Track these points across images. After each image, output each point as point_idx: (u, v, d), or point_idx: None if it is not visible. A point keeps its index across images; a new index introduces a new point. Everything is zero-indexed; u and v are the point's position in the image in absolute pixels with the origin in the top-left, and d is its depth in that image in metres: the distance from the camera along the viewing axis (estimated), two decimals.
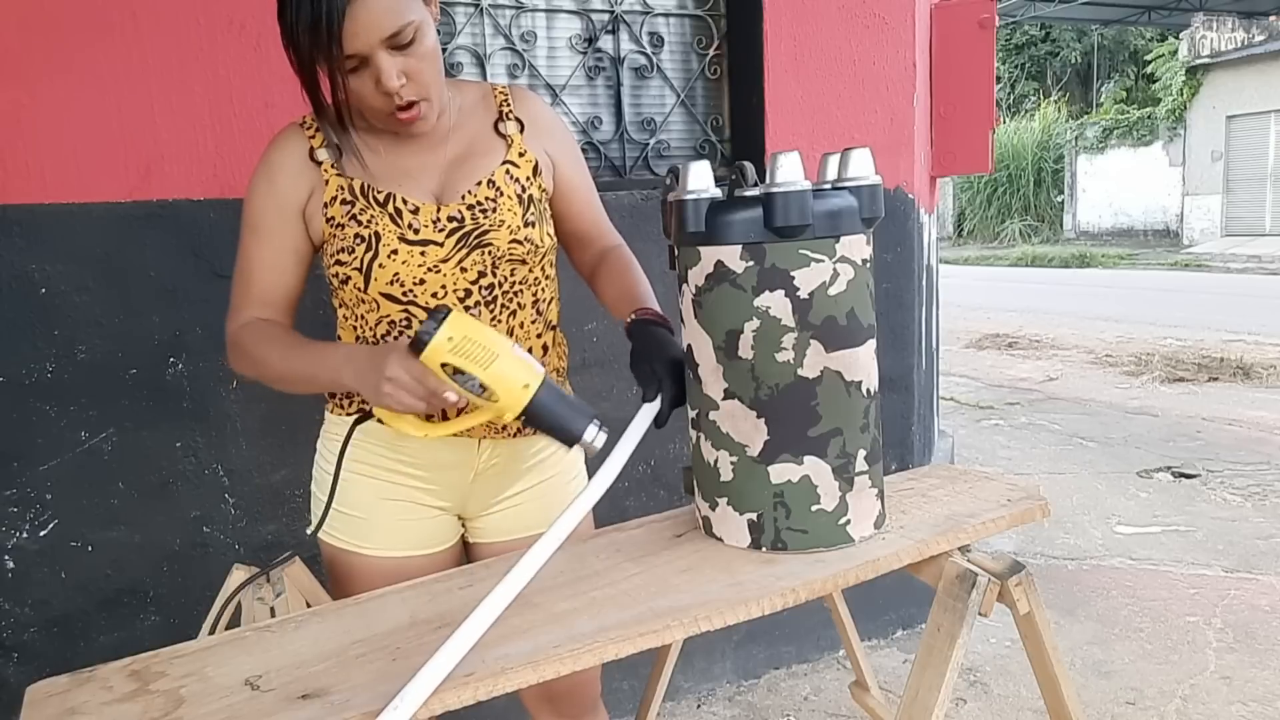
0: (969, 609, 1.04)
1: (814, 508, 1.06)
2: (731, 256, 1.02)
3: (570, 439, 1.05)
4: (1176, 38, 18.51)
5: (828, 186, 1.06)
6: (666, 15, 2.33)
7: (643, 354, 1.15)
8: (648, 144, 2.33)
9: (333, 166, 1.15)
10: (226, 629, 1.07)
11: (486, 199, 1.16)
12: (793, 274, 1.01)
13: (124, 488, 1.74)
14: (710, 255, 1.04)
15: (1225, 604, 2.74)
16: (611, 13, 2.25)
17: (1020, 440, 4.75)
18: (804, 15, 2.29)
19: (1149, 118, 18.93)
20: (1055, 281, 13.18)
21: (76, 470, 1.70)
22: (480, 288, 1.17)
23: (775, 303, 1.01)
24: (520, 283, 1.20)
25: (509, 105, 1.23)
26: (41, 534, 1.69)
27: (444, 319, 1.00)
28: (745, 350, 1.03)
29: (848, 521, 1.07)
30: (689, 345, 1.10)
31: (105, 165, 1.67)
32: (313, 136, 1.16)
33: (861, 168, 1.06)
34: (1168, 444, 4.50)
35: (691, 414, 1.14)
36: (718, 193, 1.06)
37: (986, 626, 2.54)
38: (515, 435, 1.25)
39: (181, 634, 1.03)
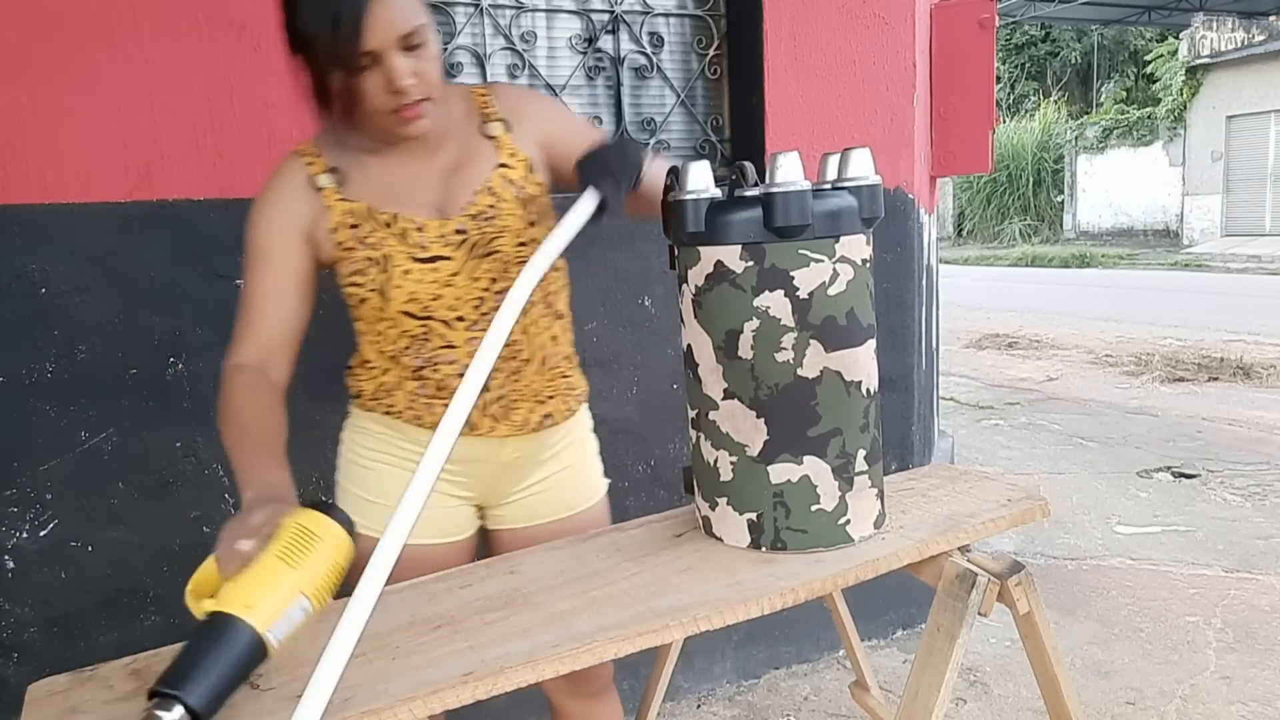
0: (969, 609, 1.04)
1: (814, 508, 1.06)
2: (731, 256, 1.02)
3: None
4: (1176, 38, 18.51)
5: (828, 186, 1.06)
6: (666, 15, 2.33)
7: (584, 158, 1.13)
8: (648, 144, 2.33)
9: (335, 192, 1.16)
10: None
11: (488, 206, 1.17)
12: (792, 274, 1.01)
13: (124, 488, 1.74)
14: (710, 255, 1.04)
15: (1225, 604, 2.74)
16: (611, 13, 2.25)
17: (1020, 440, 4.75)
18: (804, 15, 2.29)
19: (1149, 118, 18.92)
20: (1055, 281, 13.17)
21: (76, 470, 1.70)
22: (493, 294, 1.18)
23: (775, 303, 1.01)
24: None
25: (490, 107, 1.23)
26: (41, 534, 1.69)
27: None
28: (745, 350, 1.03)
29: (847, 521, 1.08)
30: (689, 345, 1.11)
31: (105, 165, 1.67)
32: (311, 164, 1.17)
33: (861, 168, 1.06)
34: (1168, 444, 4.50)
35: (691, 414, 1.14)
36: (718, 193, 1.06)
37: (986, 626, 2.54)
38: (536, 430, 1.26)
39: (181, 634, 1.03)
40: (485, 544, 1.36)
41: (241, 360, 1.14)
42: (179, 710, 0.77)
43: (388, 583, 1.09)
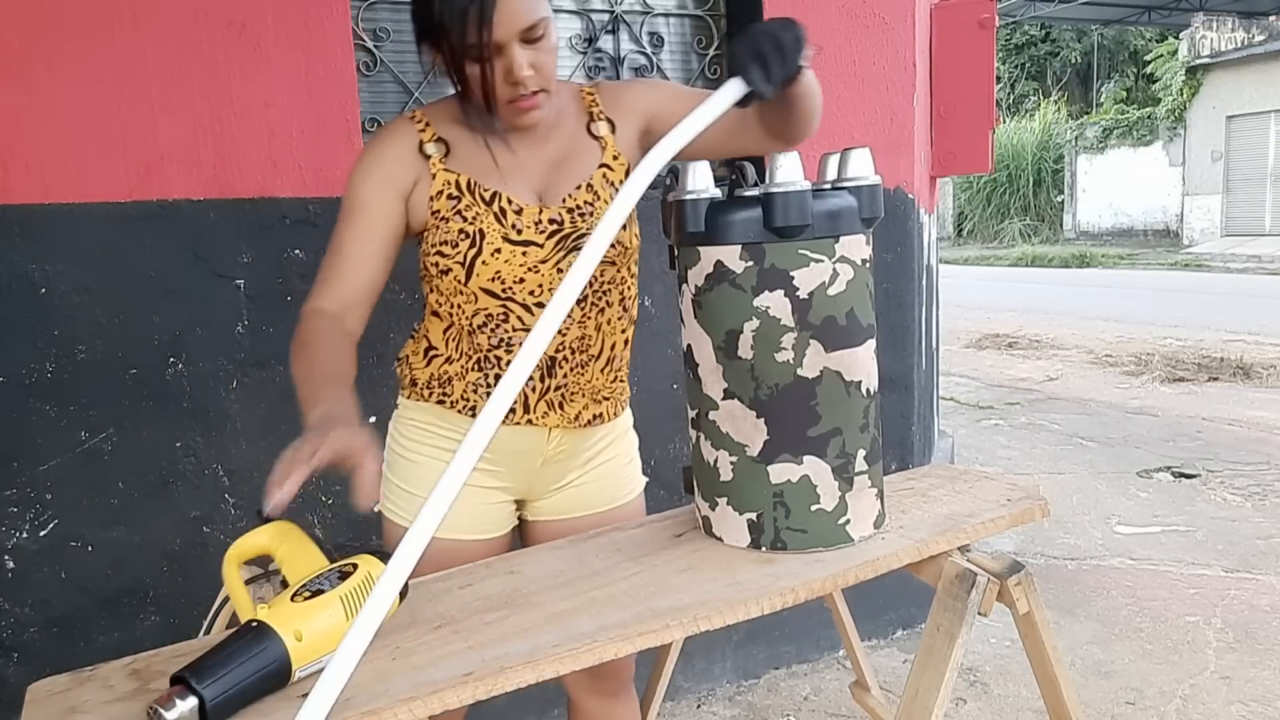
0: (968, 609, 1.04)
1: (813, 507, 1.06)
2: (731, 256, 1.02)
3: None
4: (1176, 38, 18.50)
5: (827, 186, 1.06)
6: (666, 15, 2.33)
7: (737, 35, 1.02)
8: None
9: (440, 161, 1.18)
10: (226, 628, 1.07)
11: (585, 203, 1.19)
12: (792, 274, 1.01)
13: (124, 488, 1.74)
14: (710, 255, 1.04)
15: (1225, 604, 2.74)
16: (611, 13, 2.25)
17: (1020, 440, 4.75)
18: (804, 15, 2.26)
19: (1149, 118, 18.92)
20: (1055, 281, 13.18)
21: (76, 470, 1.70)
22: None
23: (775, 303, 1.01)
24: (609, 282, 1.23)
25: (597, 106, 1.25)
26: (41, 534, 1.69)
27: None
28: (745, 350, 1.03)
29: (847, 521, 1.08)
30: (689, 345, 1.11)
31: (105, 165, 1.67)
32: (422, 131, 1.19)
33: (861, 168, 1.06)
34: (1168, 444, 4.50)
35: (691, 414, 1.14)
36: (717, 193, 1.06)
37: (986, 626, 2.54)
38: (588, 425, 1.28)
39: (181, 634, 1.03)
40: (521, 536, 1.38)
41: (322, 305, 1.14)
42: (193, 702, 0.78)
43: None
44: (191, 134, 1.72)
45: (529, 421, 1.23)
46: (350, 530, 1.93)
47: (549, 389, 1.23)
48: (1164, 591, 2.85)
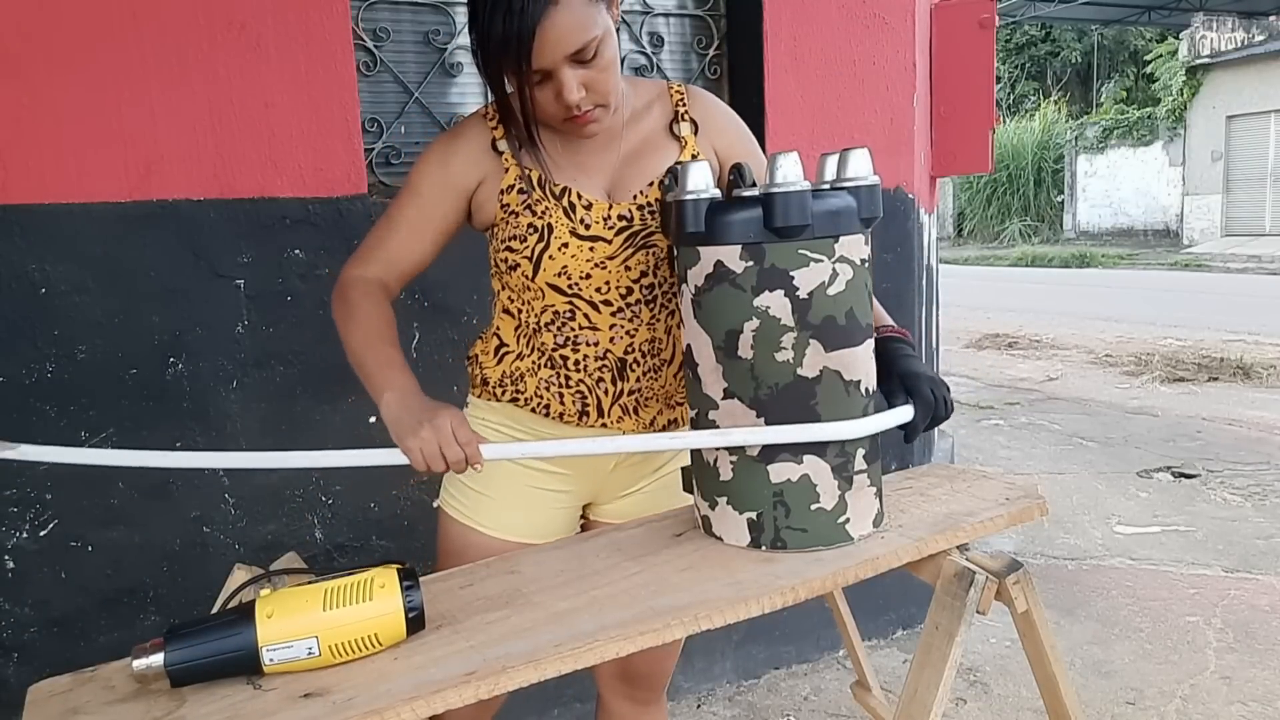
0: (967, 607, 1.05)
1: (813, 506, 1.06)
2: (731, 256, 1.02)
3: None
4: (1176, 38, 18.50)
5: (826, 187, 1.06)
6: (666, 15, 2.33)
7: (888, 370, 1.13)
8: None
9: (513, 156, 1.18)
10: None
11: (657, 201, 1.19)
12: (792, 274, 1.01)
13: (124, 488, 1.74)
14: (710, 255, 1.04)
15: (1225, 604, 2.74)
16: None
17: (1020, 440, 4.75)
18: (804, 15, 2.29)
19: (1149, 118, 18.92)
20: (1055, 281, 13.17)
21: (76, 470, 1.70)
22: (641, 286, 1.20)
23: (774, 302, 1.02)
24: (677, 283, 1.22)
25: (684, 105, 1.25)
26: (41, 534, 1.70)
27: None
28: (745, 350, 1.04)
29: (847, 520, 1.08)
30: (688, 345, 1.11)
31: (105, 165, 1.67)
32: (495, 128, 1.19)
33: (860, 168, 1.06)
34: (1168, 444, 4.50)
35: (691, 414, 1.14)
36: (717, 193, 1.06)
37: (986, 626, 2.54)
38: (663, 430, 1.28)
39: None
40: None
41: (364, 273, 1.19)
42: (160, 659, 0.84)
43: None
44: (191, 134, 1.72)
45: (603, 425, 1.23)
46: (350, 530, 1.94)
47: (622, 393, 1.22)
48: (1164, 591, 2.85)
